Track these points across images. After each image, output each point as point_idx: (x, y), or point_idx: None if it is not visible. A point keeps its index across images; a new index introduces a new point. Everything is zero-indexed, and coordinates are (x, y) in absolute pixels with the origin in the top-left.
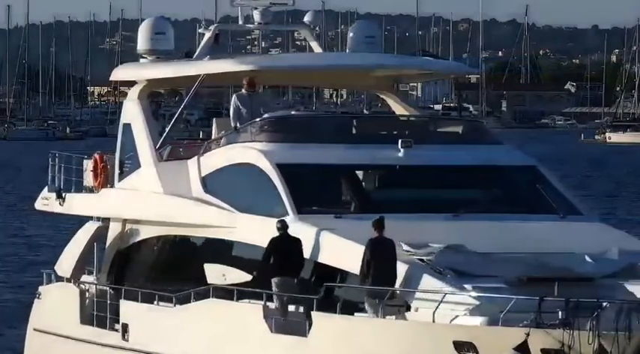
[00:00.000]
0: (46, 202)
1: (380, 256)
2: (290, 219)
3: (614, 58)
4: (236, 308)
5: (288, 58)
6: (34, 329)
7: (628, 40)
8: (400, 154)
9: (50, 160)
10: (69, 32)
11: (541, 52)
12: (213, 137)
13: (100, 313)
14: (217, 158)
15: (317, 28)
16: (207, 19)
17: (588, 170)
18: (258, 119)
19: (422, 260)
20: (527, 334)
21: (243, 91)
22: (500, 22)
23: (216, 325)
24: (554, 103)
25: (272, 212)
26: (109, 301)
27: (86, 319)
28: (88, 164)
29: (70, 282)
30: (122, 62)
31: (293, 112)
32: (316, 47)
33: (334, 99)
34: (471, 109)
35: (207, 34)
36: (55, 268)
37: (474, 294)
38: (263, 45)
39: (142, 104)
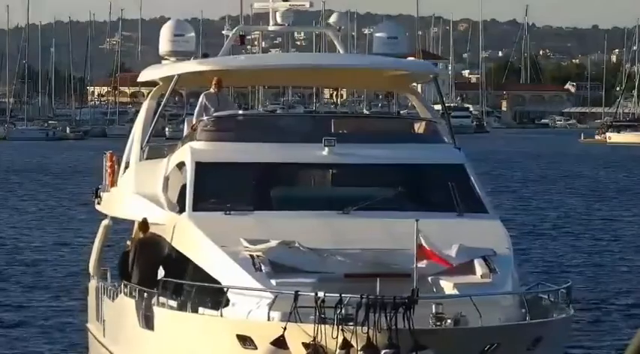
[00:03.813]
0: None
1: (142, 255)
2: (185, 215)
3: (614, 58)
4: (127, 304)
5: (251, 59)
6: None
7: (628, 40)
8: (320, 153)
9: (104, 159)
10: (69, 32)
11: (541, 52)
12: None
13: (100, 310)
14: (173, 157)
15: (341, 29)
16: (205, 19)
17: (588, 170)
18: (205, 118)
19: (252, 256)
20: (284, 329)
21: (212, 90)
22: (500, 22)
23: (120, 321)
24: (554, 103)
25: (183, 210)
26: (102, 299)
27: (96, 315)
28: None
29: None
30: (122, 62)
31: (240, 112)
32: (341, 48)
33: (334, 99)
34: (471, 109)
35: (231, 35)
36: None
37: (273, 289)
38: (263, 45)
39: (148, 104)
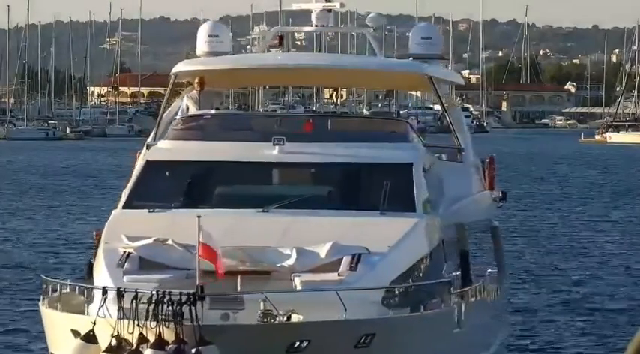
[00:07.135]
0: None
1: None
2: (115, 212)
3: (614, 58)
4: None
5: (233, 59)
6: None
7: (628, 40)
8: (266, 152)
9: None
10: (69, 32)
11: (541, 52)
12: None
13: None
14: None
15: (377, 31)
16: (206, 19)
17: (589, 170)
18: (177, 117)
19: (124, 252)
20: (94, 323)
21: (195, 91)
22: (500, 22)
23: None
24: (554, 103)
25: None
26: None
27: None
28: None
29: None
30: (122, 62)
31: (212, 111)
32: (377, 49)
33: (334, 99)
34: (471, 109)
35: (268, 36)
36: None
37: (90, 285)
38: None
39: (174, 103)
